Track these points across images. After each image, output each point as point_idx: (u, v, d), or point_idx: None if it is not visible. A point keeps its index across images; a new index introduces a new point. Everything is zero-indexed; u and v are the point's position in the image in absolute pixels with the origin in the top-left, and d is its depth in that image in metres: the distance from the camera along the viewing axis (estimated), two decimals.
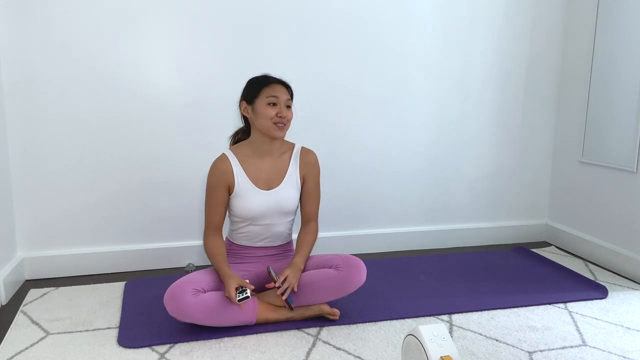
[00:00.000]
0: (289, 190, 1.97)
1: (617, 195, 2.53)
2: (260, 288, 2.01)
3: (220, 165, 1.94)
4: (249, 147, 1.98)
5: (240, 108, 1.97)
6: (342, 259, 1.89)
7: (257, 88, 1.91)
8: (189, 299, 1.73)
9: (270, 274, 1.86)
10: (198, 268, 2.50)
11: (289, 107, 1.93)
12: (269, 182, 1.96)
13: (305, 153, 2.04)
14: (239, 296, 1.73)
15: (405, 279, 2.36)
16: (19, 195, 2.32)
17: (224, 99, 2.44)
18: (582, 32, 2.73)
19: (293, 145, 2.05)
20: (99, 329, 1.87)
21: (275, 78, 1.95)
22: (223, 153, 1.97)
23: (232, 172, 1.93)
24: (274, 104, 1.89)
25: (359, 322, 1.91)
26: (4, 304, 2.10)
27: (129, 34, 2.33)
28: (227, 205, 1.98)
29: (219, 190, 1.93)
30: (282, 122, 1.90)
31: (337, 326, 1.88)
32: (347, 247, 2.73)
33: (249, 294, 1.75)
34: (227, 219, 2.03)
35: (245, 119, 2.01)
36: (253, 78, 1.97)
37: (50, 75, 2.27)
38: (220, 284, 1.87)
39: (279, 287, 1.82)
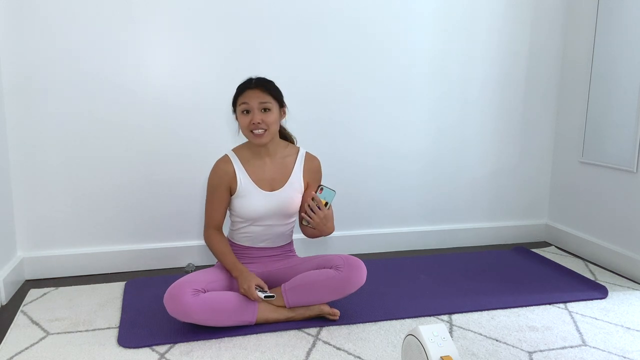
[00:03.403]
0: (292, 192, 1.97)
1: (617, 195, 2.53)
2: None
3: (222, 166, 1.94)
4: (250, 149, 1.98)
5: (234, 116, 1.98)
6: (343, 259, 1.89)
7: (234, 97, 1.91)
8: (189, 299, 1.73)
9: (317, 192, 1.87)
10: (198, 268, 2.50)
11: (266, 109, 1.87)
12: (272, 183, 1.96)
13: (311, 159, 2.04)
14: (264, 293, 1.74)
15: (405, 279, 2.36)
16: (19, 195, 2.33)
17: (224, 99, 2.44)
18: (582, 32, 2.73)
19: (297, 149, 2.05)
20: (99, 329, 1.87)
21: (252, 81, 1.89)
22: (225, 154, 1.98)
23: (235, 173, 1.93)
24: (247, 111, 1.87)
25: (359, 322, 1.91)
26: (4, 304, 2.10)
27: (129, 34, 2.33)
28: (228, 206, 1.99)
29: (220, 191, 1.93)
30: (259, 129, 1.86)
31: (337, 326, 1.88)
32: (347, 247, 2.73)
33: (272, 293, 1.77)
34: (227, 218, 2.03)
35: None
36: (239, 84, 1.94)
37: (50, 75, 2.27)
38: (219, 284, 1.86)
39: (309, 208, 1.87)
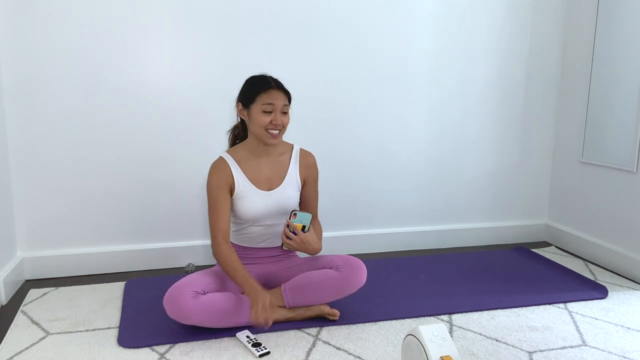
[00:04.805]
0: (289, 190, 1.97)
1: (617, 195, 2.53)
2: None
3: (219, 167, 1.93)
4: (246, 149, 1.97)
5: (236, 108, 1.95)
6: (343, 259, 1.89)
7: (254, 92, 1.87)
8: (189, 301, 1.73)
9: (290, 218, 1.86)
10: (198, 268, 2.50)
11: (285, 112, 1.89)
12: (269, 182, 1.96)
13: (305, 155, 2.04)
14: (259, 351, 1.68)
15: (405, 279, 2.36)
16: (19, 195, 2.33)
17: (224, 99, 2.44)
18: (582, 32, 2.73)
19: (292, 146, 2.05)
20: (99, 329, 1.87)
21: (273, 82, 1.89)
22: (220, 156, 1.96)
23: (232, 174, 1.92)
24: (270, 112, 1.86)
25: (359, 322, 1.91)
26: (4, 304, 2.10)
27: (129, 35, 2.33)
28: (231, 210, 1.95)
29: (221, 192, 1.90)
30: (277, 129, 1.88)
31: (337, 326, 1.88)
32: (347, 247, 2.73)
33: (268, 349, 1.70)
34: None
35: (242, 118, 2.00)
36: (251, 79, 1.93)
37: (51, 75, 2.27)
38: (219, 285, 1.86)
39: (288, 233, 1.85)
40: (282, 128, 1.90)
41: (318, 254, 1.98)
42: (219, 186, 1.90)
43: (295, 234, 1.84)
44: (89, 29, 2.28)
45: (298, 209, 2.01)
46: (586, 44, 2.70)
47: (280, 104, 1.86)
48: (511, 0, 2.76)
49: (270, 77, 1.92)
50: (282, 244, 1.88)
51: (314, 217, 2.04)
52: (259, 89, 1.87)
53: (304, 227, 1.86)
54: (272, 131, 1.87)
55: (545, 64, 2.87)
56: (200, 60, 2.43)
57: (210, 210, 1.91)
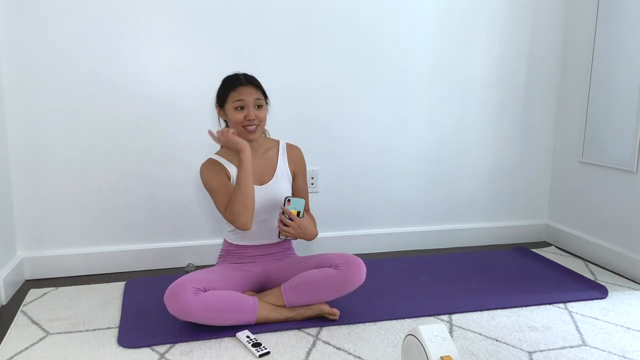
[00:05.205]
0: (281, 183, 2.00)
1: (617, 195, 2.53)
2: (261, 288, 2.02)
3: (211, 163, 1.97)
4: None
5: (216, 110, 2.00)
6: (342, 258, 1.89)
7: (225, 92, 1.92)
8: (190, 297, 1.73)
9: (285, 205, 1.88)
10: (198, 268, 2.50)
11: (259, 106, 1.92)
12: (260, 177, 1.98)
13: (292, 149, 2.08)
14: (259, 351, 1.68)
15: (405, 279, 2.36)
16: (19, 195, 2.33)
17: None
18: (582, 32, 2.73)
19: (278, 141, 2.09)
20: (99, 329, 1.87)
21: (242, 78, 1.92)
22: (209, 158, 2.00)
23: (226, 168, 1.96)
24: (242, 107, 1.89)
25: (359, 322, 1.91)
26: (4, 304, 2.10)
27: (128, 34, 2.33)
28: None
29: (221, 177, 1.93)
30: (253, 125, 1.91)
31: (337, 326, 1.88)
32: (347, 247, 2.73)
33: (268, 349, 1.70)
34: (223, 219, 2.03)
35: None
36: (223, 79, 1.97)
37: (51, 75, 2.27)
38: (220, 283, 1.86)
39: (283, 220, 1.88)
40: (259, 122, 1.92)
41: (319, 254, 1.99)
42: (217, 175, 1.94)
43: (291, 220, 1.87)
44: (88, 30, 2.28)
45: (291, 195, 2.03)
46: (586, 44, 2.70)
47: (251, 98, 1.89)
48: (511, 0, 2.76)
49: (242, 74, 1.95)
50: (280, 233, 1.90)
51: (307, 210, 2.07)
52: (228, 88, 1.92)
53: (298, 212, 1.89)
54: (248, 127, 1.90)
55: (545, 64, 2.87)
56: (200, 60, 2.43)
57: (216, 198, 1.92)
